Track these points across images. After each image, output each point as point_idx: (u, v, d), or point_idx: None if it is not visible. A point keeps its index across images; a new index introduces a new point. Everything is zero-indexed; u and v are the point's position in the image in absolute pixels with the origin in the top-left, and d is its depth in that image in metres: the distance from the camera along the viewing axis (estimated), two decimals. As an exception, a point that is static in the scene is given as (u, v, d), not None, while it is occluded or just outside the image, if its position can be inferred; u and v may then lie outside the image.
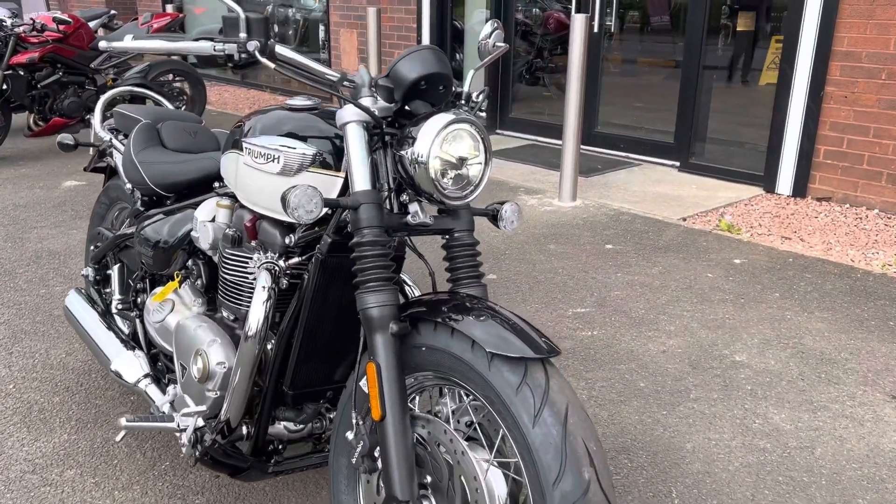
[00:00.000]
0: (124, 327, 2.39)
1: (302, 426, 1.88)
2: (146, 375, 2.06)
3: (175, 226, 2.09)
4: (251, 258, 1.75)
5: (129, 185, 2.34)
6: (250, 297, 1.79)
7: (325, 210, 1.44)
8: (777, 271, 3.65)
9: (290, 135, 1.68)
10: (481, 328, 1.36)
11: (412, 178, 1.49)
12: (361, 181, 1.48)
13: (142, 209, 2.28)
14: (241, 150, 1.76)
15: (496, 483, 1.38)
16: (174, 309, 2.04)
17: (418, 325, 1.46)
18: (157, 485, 2.11)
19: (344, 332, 1.73)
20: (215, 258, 1.98)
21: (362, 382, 1.57)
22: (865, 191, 4.65)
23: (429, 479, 1.43)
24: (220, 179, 2.07)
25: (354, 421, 1.51)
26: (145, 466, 2.19)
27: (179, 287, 2.07)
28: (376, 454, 1.48)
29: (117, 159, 2.46)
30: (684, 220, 4.48)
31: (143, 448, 2.28)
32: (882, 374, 2.68)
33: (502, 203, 1.69)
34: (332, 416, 1.91)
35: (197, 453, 1.73)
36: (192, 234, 2.02)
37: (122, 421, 1.71)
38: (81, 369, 2.73)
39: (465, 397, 1.49)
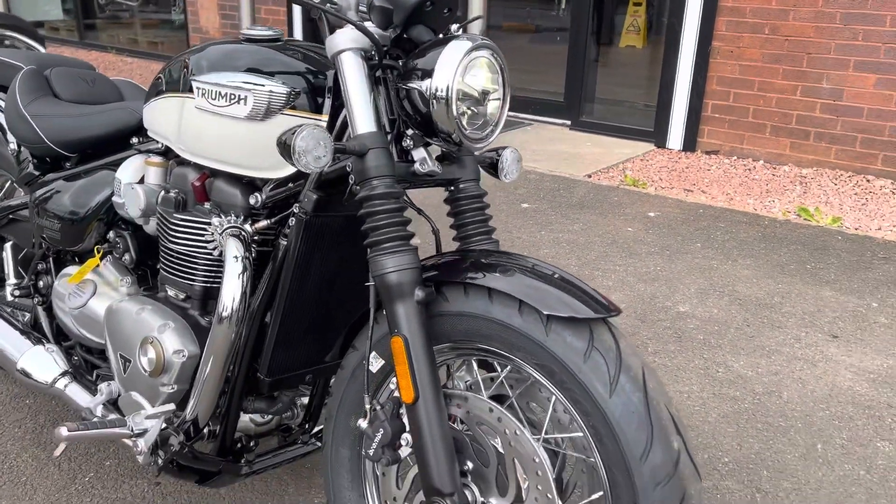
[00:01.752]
0: (18, 316, 1.98)
1: (270, 417, 1.62)
2: (64, 373, 1.70)
3: (88, 192, 1.73)
4: (207, 223, 1.46)
5: (13, 146, 1.93)
6: (206, 271, 1.50)
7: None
8: (692, 222, 3.69)
9: (251, 71, 1.39)
10: (527, 287, 1.17)
11: (423, 118, 1.26)
12: (365, 122, 1.23)
13: (36, 174, 1.87)
14: (189, 91, 1.45)
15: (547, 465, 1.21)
16: (97, 291, 1.69)
17: (443, 289, 1.24)
18: (83, 500, 1.77)
19: (328, 305, 1.48)
20: (147, 227, 1.65)
21: (371, 358, 1.34)
22: (751, 143, 4.84)
23: (470, 465, 1.23)
24: (139, 133, 1.73)
25: (369, 407, 1.27)
26: (64, 482, 1.83)
27: (100, 264, 1.72)
28: (400, 442, 1.26)
29: (-4, 117, 2.02)
30: (589, 176, 4.46)
31: (56, 460, 1.91)
32: (816, 315, 2.74)
33: (500, 149, 1.50)
34: (302, 401, 1.66)
35: (160, 461, 1.43)
36: (115, 199, 1.68)
37: (63, 431, 1.37)
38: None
39: (500, 369, 1.29)
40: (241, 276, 1.36)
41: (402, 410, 1.27)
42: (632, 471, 1.07)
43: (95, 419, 1.48)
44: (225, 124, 1.39)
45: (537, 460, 1.16)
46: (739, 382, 2.29)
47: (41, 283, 1.89)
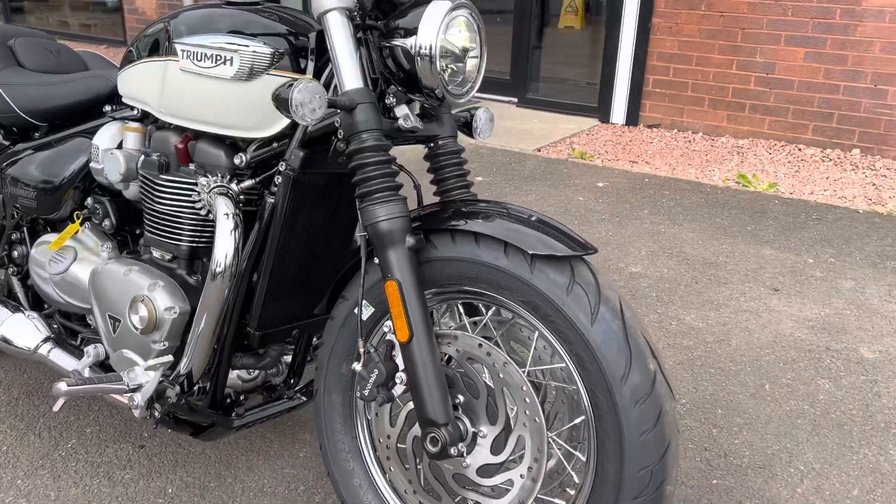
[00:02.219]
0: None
1: (257, 374, 1.68)
2: (46, 339, 1.72)
3: (64, 159, 1.74)
4: (193, 184, 1.50)
5: (-24, 118, 1.92)
6: (192, 231, 1.54)
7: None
8: (639, 191, 3.85)
9: (234, 33, 1.43)
10: (511, 230, 1.26)
11: (407, 75, 1.33)
12: (353, 78, 1.30)
13: (6, 144, 1.87)
14: (172, 55, 1.48)
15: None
16: (78, 257, 1.71)
17: (431, 237, 1.32)
18: (68, 465, 1.79)
19: (313, 260, 1.55)
20: (127, 192, 1.68)
21: (361, 310, 1.41)
22: (690, 116, 5.03)
23: (461, 398, 1.32)
24: (112, 101, 1.75)
25: (363, 350, 1.35)
26: (46, 449, 1.85)
27: (79, 230, 1.74)
28: (394, 381, 1.33)
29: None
30: (539, 150, 4.58)
31: (35, 429, 1.92)
32: (758, 271, 2.92)
33: (473, 109, 1.58)
34: (285, 359, 1.72)
35: (157, 413, 1.47)
36: (92, 165, 1.70)
37: (62, 386, 1.40)
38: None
39: (484, 311, 1.38)
40: (233, 232, 1.41)
41: (395, 352, 1.35)
42: (613, 392, 1.17)
43: (92, 376, 1.51)
44: (211, 85, 1.43)
45: (525, 388, 1.25)
46: (692, 333, 2.44)
47: (15, 253, 1.89)
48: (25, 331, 1.72)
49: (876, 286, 2.79)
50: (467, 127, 1.58)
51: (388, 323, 1.37)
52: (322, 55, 1.42)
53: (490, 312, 1.37)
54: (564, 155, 4.49)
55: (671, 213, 3.54)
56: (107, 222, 1.71)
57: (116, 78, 1.71)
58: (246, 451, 1.86)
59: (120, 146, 1.67)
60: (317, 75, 1.42)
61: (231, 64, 1.39)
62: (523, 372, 1.28)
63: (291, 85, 1.20)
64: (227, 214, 1.42)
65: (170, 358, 1.45)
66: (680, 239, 3.23)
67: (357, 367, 1.35)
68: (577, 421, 1.29)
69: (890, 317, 2.56)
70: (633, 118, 5.19)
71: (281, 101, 1.21)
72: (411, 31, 1.30)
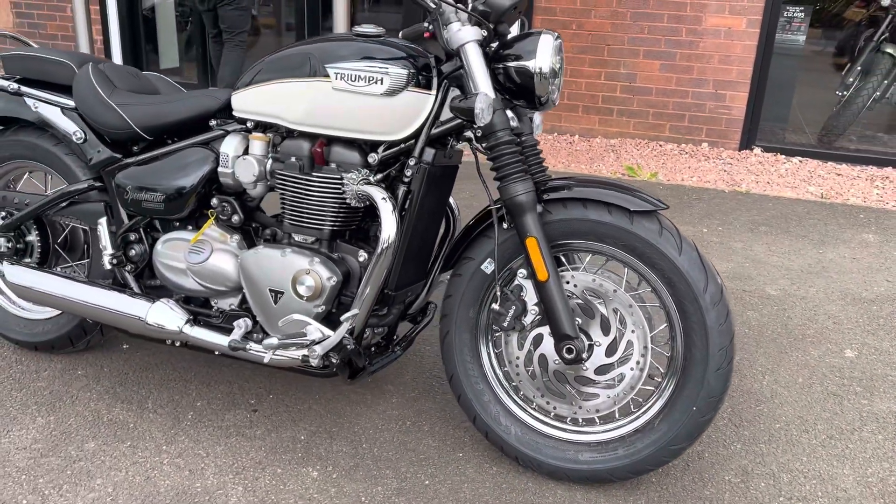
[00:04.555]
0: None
1: (368, 332, 2.05)
2: (188, 321, 1.99)
3: (191, 167, 2.02)
4: (338, 179, 1.87)
5: (79, 134, 2.13)
6: (334, 217, 1.89)
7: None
8: (551, 184, 4.50)
9: (372, 59, 1.82)
10: (609, 195, 1.78)
11: (517, 87, 1.80)
12: (489, 91, 1.76)
13: (118, 156, 2.11)
14: (317, 76, 1.84)
15: (626, 313, 1.83)
16: (214, 248, 2.00)
17: (546, 206, 1.82)
18: (200, 431, 2.07)
19: (428, 233, 1.97)
20: (252, 191, 1.99)
21: (486, 263, 1.87)
22: (567, 121, 5.80)
23: (579, 321, 1.82)
24: (215, 117, 2.06)
25: (499, 293, 1.81)
26: (170, 423, 2.11)
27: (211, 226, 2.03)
28: (527, 312, 1.81)
29: (47, 111, 2.17)
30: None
31: (147, 408, 2.17)
32: (670, 241, 3.64)
33: (531, 114, 2.08)
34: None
35: (335, 360, 1.83)
36: (221, 170, 2.00)
37: (274, 340, 1.72)
38: (12, 358, 2.37)
39: (581, 260, 1.89)
40: (393, 212, 1.80)
41: (523, 293, 1.83)
42: (699, 299, 1.73)
43: (287, 336, 1.83)
44: (362, 101, 1.81)
45: (632, 305, 1.78)
46: (644, 288, 3.08)
47: (132, 252, 2.12)
48: (169, 316, 1.98)
49: (758, 245, 3.61)
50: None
51: (521, 271, 1.84)
52: (440, 73, 1.86)
53: (588, 258, 1.88)
54: (471, 158, 5.05)
55: (585, 200, 4.21)
56: (235, 218, 2.01)
57: (221, 97, 2.03)
58: (348, 403, 2.22)
59: (245, 152, 2.00)
60: (438, 89, 1.85)
61: (381, 83, 1.80)
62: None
63: (470, 97, 1.65)
64: (384, 199, 1.81)
65: (356, 311, 1.81)
66: (601, 220, 3.89)
67: (496, 306, 1.82)
68: (660, 328, 1.84)
69: (776, 265, 3.36)
70: (518, 124, 5.86)
71: (463, 110, 1.65)
72: (521, 56, 1.78)
